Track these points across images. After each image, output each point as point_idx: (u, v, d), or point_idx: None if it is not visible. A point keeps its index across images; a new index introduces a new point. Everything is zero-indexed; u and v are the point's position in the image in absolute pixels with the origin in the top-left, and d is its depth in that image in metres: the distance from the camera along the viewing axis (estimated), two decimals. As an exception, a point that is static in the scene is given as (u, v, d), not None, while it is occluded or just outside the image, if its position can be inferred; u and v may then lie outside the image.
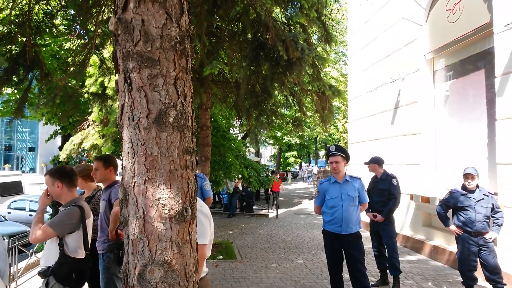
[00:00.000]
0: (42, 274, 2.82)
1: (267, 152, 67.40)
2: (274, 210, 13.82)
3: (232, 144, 10.42)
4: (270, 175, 15.97)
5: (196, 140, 8.48)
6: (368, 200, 4.75)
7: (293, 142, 25.22)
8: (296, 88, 6.99)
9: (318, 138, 35.66)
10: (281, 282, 5.92)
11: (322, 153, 46.32)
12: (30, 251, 6.30)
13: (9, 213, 12.72)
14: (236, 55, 5.09)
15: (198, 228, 2.14)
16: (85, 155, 11.44)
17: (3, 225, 9.89)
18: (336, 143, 26.02)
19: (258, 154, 34.10)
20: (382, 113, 9.58)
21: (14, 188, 16.48)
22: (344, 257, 4.54)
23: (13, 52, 3.78)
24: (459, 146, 7.23)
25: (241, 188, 13.90)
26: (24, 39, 3.73)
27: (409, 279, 6.00)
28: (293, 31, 6.56)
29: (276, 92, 7.58)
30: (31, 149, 42.17)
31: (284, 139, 24.66)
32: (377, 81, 9.93)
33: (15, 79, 3.86)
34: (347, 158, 4.57)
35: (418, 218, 8.03)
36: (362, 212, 4.67)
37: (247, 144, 23.24)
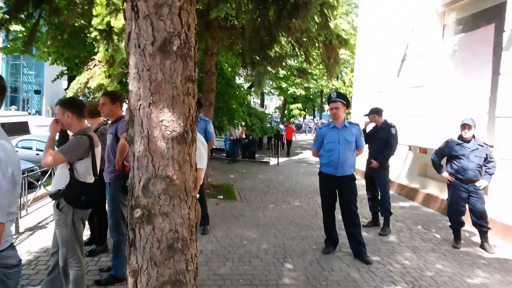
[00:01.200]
0: (53, 196, 3.07)
1: (272, 104, 67.23)
2: (275, 157, 14.16)
3: (237, 92, 10.50)
4: (275, 124, 16.15)
5: (201, 85, 8.60)
6: (364, 145, 4.94)
7: (298, 93, 25.09)
8: (303, 37, 6.94)
9: (324, 91, 35.42)
10: (277, 220, 6.28)
11: (327, 106, 46.21)
12: (39, 183, 6.65)
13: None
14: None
15: (197, 154, 2.33)
16: (91, 97, 11.56)
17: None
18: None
19: (262, 104, 34.07)
20: (388, 65, 9.53)
21: (21, 129, 16.81)
22: (337, 197, 4.81)
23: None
24: (461, 100, 7.29)
25: (244, 137, 14.16)
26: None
27: (399, 222, 6.34)
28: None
29: (283, 41, 7.55)
30: (37, 92, 42.30)
31: (290, 90, 24.54)
32: (386, 33, 9.78)
33: (23, 16, 3.89)
34: (347, 104, 4.69)
35: (415, 168, 8.28)
36: (358, 156, 4.87)
37: (252, 94, 23.23)
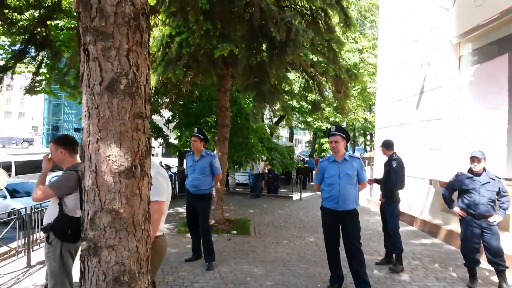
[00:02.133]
0: (43, 229, 3.20)
1: (306, 138, 67.10)
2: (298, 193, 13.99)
3: (255, 127, 10.63)
4: (296, 159, 16.05)
5: (216, 121, 8.78)
6: (367, 179, 4.82)
7: (323, 127, 24.93)
8: (311, 70, 7.04)
9: (355, 124, 35.05)
10: (287, 256, 6.14)
11: (361, 140, 45.50)
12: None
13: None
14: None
15: (157, 187, 2.38)
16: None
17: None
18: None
19: (292, 139, 34.08)
20: (408, 98, 9.40)
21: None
22: (340, 233, 4.67)
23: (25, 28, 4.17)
24: (480, 132, 7.02)
25: (267, 172, 14.17)
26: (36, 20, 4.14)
27: (416, 260, 6.02)
28: (315, 15, 6.63)
29: (294, 77, 7.64)
30: (77, 130, 44.69)
31: (315, 124, 24.47)
32: (405, 66, 9.71)
33: (27, 60, 4.26)
34: (347, 138, 4.65)
35: (437, 203, 7.92)
36: (361, 191, 4.76)
37: (279, 128, 23.32)
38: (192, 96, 9.85)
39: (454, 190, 5.06)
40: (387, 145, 5.81)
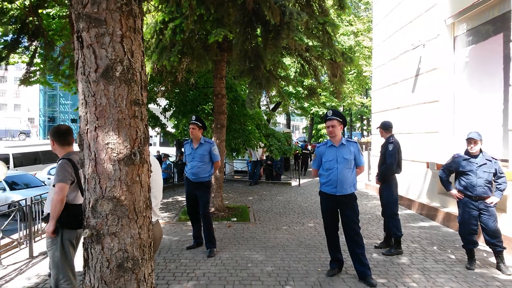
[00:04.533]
0: (44, 219, 3.21)
1: (303, 124, 67.08)
2: (297, 179, 14.04)
3: (251, 113, 10.60)
4: (294, 145, 16.06)
5: (212, 108, 8.73)
6: (364, 163, 4.83)
7: (320, 113, 24.91)
8: (307, 54, 6.98)
9: (352, 109, 35.06)
10: (287, 242, 6.19)
11: (358, 125, 45.55)
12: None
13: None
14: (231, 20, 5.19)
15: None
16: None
17: (42, 189, 10.77)
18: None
19: (289, 125, 34.08)
20: (404, 81, 9.37)
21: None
22: (339, 218, 4.71)
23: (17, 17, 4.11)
24: (476, 113, 7.03)
25: (265, 159, 14.19)
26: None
27: (415, 243, 6.08)
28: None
29: (290, 61, 7.58)
30: (73, 121, 44.54)
31: (312, 109, 24.45)
32: (400, 48, 9.66)
33: (19, 49, 4.23)
34: (343, 122, 4.65)
35: (434, 186, 7.97)
36: (358, 175, 4.78)
37: (276, 115, 23.28)
38: (188, 83, 9.78)
39: (451, 172, 5.08)
40: (385, 127, 5.79)
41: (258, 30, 5.29)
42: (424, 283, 4.45)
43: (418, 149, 8.51)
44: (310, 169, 16.95)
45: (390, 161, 5.50)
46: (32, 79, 5.72)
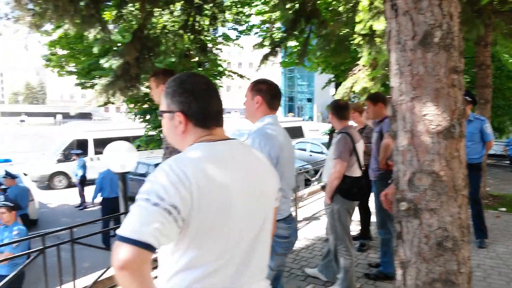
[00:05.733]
0: (323, 188, 3.47)
1: None
2: None
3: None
4: None
5: (474, 81, 7.63)
6: None
7: None
8: None
9: None
10: None
11: None
12: (313, 179, 7.59)
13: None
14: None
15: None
16: (355, 100, 12.28)
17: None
18: None
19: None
20: None
21: (297, 133, 19.56)
22: None
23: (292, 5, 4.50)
24: None
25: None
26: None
27: None
28: None
29: None
30: (309, 100, 48.34)
31: None
32: None
33: (296, 32, 4.63)
34: None
35: None
36: None
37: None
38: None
39: None
40: None
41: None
42: None
43: None
44: None
45: None
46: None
